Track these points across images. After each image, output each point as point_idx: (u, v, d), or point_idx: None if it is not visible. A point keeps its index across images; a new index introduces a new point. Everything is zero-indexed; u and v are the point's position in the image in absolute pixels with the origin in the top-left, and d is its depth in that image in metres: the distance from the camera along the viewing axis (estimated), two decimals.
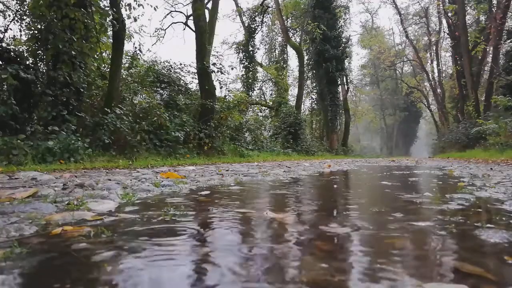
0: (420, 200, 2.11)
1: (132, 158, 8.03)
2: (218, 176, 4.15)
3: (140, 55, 13.78)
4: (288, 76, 32.28)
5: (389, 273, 0.83)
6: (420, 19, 36.68)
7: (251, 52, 27.58)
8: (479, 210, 1.80)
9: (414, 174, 4.79)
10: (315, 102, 31.40)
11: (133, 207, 1.83)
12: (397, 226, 1.36)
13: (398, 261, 0.94)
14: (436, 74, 37.51)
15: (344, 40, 29.05)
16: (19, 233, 1.21)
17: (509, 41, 20.30)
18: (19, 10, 9.10)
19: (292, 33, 29.42)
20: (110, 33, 10.72)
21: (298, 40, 29.80)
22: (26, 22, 9.04)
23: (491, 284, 0.78)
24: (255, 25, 28.33)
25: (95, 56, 9.95)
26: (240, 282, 0.79)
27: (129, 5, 9.84)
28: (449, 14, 25.84)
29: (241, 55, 27.37)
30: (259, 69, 29.54)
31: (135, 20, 10.47)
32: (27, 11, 8.79)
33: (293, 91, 32.45)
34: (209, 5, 17.21)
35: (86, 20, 8.08)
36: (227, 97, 17.26)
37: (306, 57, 28.03)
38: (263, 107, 27.16)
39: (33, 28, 8.21)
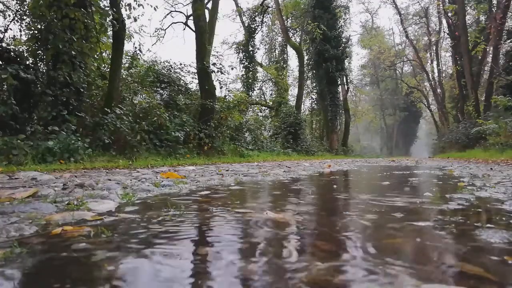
0: (420, 200, 2.11)
1: (132, 158, 8.03)
2: (218, 176, 4.15)
3: (140, 55, 13.78)
4: (288, 76, 32.30)
5: (389, 273, 0.83)
6: (420, 19, 36.69)
7: (251, 52, 27.58)
8: (479, 210, 1.80)
9: (414, 174, 4.79)
10: (315, 102, 31.40)
11: (133, 207, 1.83)
12: (397, 226, 1.36)
13: (397, 261, 0.94)
14: (436, 74, 37.56)
15: (344, 40, 29.03)
16: (19, 233, 1.21)
17: (509, 41, 20.31)
18: (19, 10, 9.10)
19: (292, 33, 29.41)
20: (110, 33, 10.73)
21: (298, 40, 29.80)
22: (26, 22, 9.04)
23: (491, 284, 0.78)
24: (255, 25, 28.33)
25: (95, 56, 9.95)
26: (240, 281, 0.79)
27: (129, 5, 9.85)
28: (449, 14, 25.84)
29: (241, 55, 27.38)
30: (259, 69, 29.55)
31: (135, 20, 10.47)
32: (27, 11, 8.79)
33: (293, 91, 32.49)
34: (209, 5, 17.21)
35: (86, 20, 8.08)
36: (227, 97, 17.25)
37: (306, 57, 28.02)
38: (263, 107, 27.16)
39: (33, 28, 8.21)
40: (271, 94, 30.29)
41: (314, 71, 28.37)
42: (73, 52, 7.87)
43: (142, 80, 12.71)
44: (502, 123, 13.92)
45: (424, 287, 0.75)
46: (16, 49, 8.38)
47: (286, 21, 27.08)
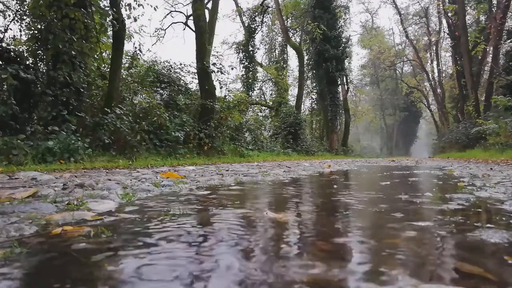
0: (420, 200, 2.11)
1: (132, 158, 8.03)
2: (218, 176, 4.15)
3: (140, 55, 13.77)
4: (288, 76, 32.30)
5: (389, 272, 0.83)
6: (420, 19, 36.69)
7: (251, 52, 27.58)
8: (479, 210, 1.80)
9: (414, 174, 4.79)
10: (315, 102, 31.40)
11: (133, 207, 1.83)
12: (397, 226, 1.36)
13: (397, 261, 0.94)
14: (436, 74, 37.57)
15: (344, 40, 29.02)
16: (19, 233, 1.21)
17: (509, 41, 20.30)
18: (19, 10, 9.10)
19: (292, 33, 29.41)
20: (110, 33, 10.73)
21: (298, 40, 29.80)
22: (26, 22, 9.04)
23: (491, 284, 0.78)
24: (255, 25, 28.33)
25: (95, 56, 9.96)
26: (240, 282, 0.79)
27: (129, 5, 9.85)
28: (449, 14, 25.84)
29: (241, 55, 27.37)
30: (259, 69, 29.54)
31: (135, 20, 10.47)
32: (27, 11, 8.79)
33: (293, 91, 32.48)
34: (209, 5, 17.22)
35: (86, 20, 8.08)
36: (227, 97, 17.25)
37: (306, 57, 28.02)
38: (263, 107, 27.16)
39: (33, 28, 8.21)
40: (271, 94, 30.30)
41: (314, 71, 28.37)
42: (73, 52, 7.87)
43: (142, 80, 12.71)
44: (502, 123, 13.92)
45: (423, 287, 0.75)
46: (16, 49, 8.38)
47: (286, 21, 27.08)
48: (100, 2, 9.51)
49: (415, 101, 45.69)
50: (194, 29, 14.21)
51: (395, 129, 56.51)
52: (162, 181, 3.10)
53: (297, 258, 0.97)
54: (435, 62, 37.33)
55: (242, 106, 16.51)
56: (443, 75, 37.49)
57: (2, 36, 8.38)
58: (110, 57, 10.87)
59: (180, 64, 14.84)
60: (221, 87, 18.80)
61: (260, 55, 32.31)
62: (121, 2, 9.84)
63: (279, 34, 30.13)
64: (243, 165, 7.91)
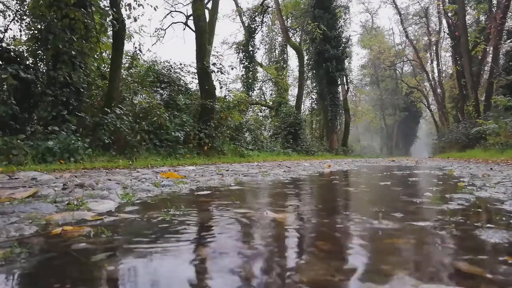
0: (420, 200, 2.11)
1: (132, 158, 8.03)
2: (218, 176, 4.15)
3: (140, 55, 13.78)
4: (288, 76, 32.29)
5: (388, 272, 0.83)
6: (420, 19, 36.69)
7: (251, 52, 27.57)
8: (479, 210, 1.80)
9: (414, 174, 4.79)
10: (315, 102, 31.40)
11: (133, 207, 1.83)
12: (397, 226, 1.36)
13: (397, 260, 0.94)
14: (436, 74, 37.56)
15: (344, 40, 29.01)
16: (19, 233, 1.21)
17: (509, 41, 20.29)
18: (19, 10, 9.10)
19: (292, 33, 29.41)
20: (110, 33, 10.72)
21: (298, 40, 29.80)
22: (26, 22, 9.04)
23: (491, 284, 0.78)
24: (255, 25, 28.32)
25: (95, 56, 9.95)
26: (240, 282, 0.79)
27: (129, 5, 9.85)
28: (449, 14, 25.83)
29: (241, 55, 27.37)
30: (259, 69, 29.54)
31: (135, 20, 10.47)
32: (27, 11, 8.79)
33: (293, 91, 32.48)
34: (209, 5, 17.22)
35: (86, 20, 8.08)
36: (227, 97, 17.25)
37: (306, 57, 28.01)
38: (263, 107, 27.15)
39: (33, 28, 8.21)
40: (271, 94, 30.30)
41: (314, 71, 28.37)
42: (73, 52, 7.87)
43: (142, 80, 12.71)
44: (502, 123, 13.92)
45: (423, 287, 0.75)
46: (16, 49, 8.38)
47: (286, 21, 27.07)
48: (100, 2, 9.51)
49: (415, 101, 45.70)
50: (194, 29, 14.21)
51: (395, 129, 56.51)
52: (162, 181, 3.10)
53: (297, 258, 0.97)
54: (435, 62, 37.35)
55: (242, 106, 16.51)
56: (443, 75, 37.50)
57: (2, 36, 8.38)
58: (110, 57, 10.87)
59: (180, 64, 14.86)
60: (221, 87, 18.83)
61: (260, 55, 32.35)
62: (121, 2, 9.84)
63: (279, 34, 30.14)
64: (243, 165, 7.91)
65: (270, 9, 28.21)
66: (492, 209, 1.79)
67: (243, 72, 27.23)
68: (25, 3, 8.94)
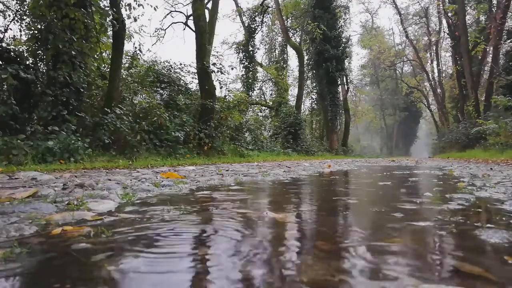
0: (420, 200, 2.11)
1: (132, 158, 8.03)
2: (218, 176, 4.15)
3: (140, 55, 13.78)
4: (288, 76, 32.29)
5: (388, 272, 0.83)
6: (420, 19, 36.69)
7: (251, 52, 27.57)
8: (479, 210, 1.80)
9: (414, 174, 4.79)
10: (315, 102, 31.40)
11: (133, 207, 1.83)
12: (397, 226, 1.36)
13: (397, 260, 0.94)
14: (436, 74, 37.57)
15: (344, 40, 29.01)
16: (19, 233, 1.21)
17: (509, 41, 20.29)
18: (19, 10, 9.10)
19: (292, 33, 29.40)
20: (110, 33, 10.72)
21: (298, 40, 29.79)
22: (26, 22, 9.04)
23: (491, 284, 0.78)
24: (255, 25, 28.32)
25: (95, 56, 9.95)
26: (241, 282, 0.79)
27: (129, 5, 9.85)
28: (449, 14, 25.83)
29: (241, 55, 27.37)
30: (259, 69, 29.53)
31: (135, 20, 10.47)
32: (27, 11, 8.79)
33: (293, 91, 32.48)
34: (209, 5, 17.22)
35: (86, 20, 8.08)
36: (227, 97, 17.25)
37: (306, 57, 28.01)
38: (263, 107, 27.15)
39: (33, 28, 8.21)
40: (271, 94, 30.30)
41: (314, 71, 28.37)
42: (73, 52, 7.87)
43: (142, 80, 12.71)
44: (502, 123, 13.92)
45: (423, 287, 0.75)
46: (16, 49, 8.38)
47: (286, 21, 27.07)
48: (100, 2, 9.51)
49: (415, 101, 45.70)
50: (194, 29, 14.21)
51: (395, 129, 56.51)
52: (162, 181, 3.10)
53: (297, 258, 0.97)
54: (435, 62, 37.35)
55: (242, 106, 16.51)
56: (443, 75, 37.51)
57: (2, 36, 8.38)
58: (110, 57, 10.87)
59: (180, 64, 14.86)
60: (221, 87, 18.83)
61: (260, 55, 32.35)
62: (121, 2, 9.84)
63: (279, 34, 30.14)
64: (243, 165, 7.91)
65: (270, 9, 28.21)
66: (492, 209, 1.79)
67: (243, 72, 27.24)
68: (25, 3, 8.94)
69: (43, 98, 7.51)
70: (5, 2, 9.81)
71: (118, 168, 6.13)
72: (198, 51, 12.93)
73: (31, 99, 7.61)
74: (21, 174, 3.80)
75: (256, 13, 27.95)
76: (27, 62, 8.00)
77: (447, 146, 25.22)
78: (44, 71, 8.19)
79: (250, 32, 27.77)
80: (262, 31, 30.41)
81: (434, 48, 36.57)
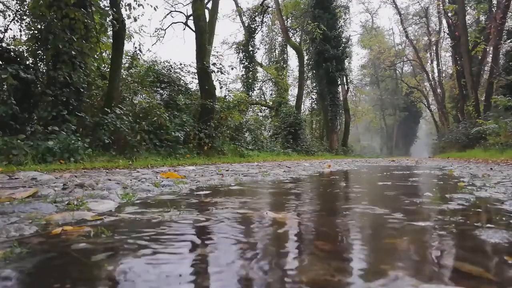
0: (420, 200, 2.11)
1: (132, 158, 8.03)
2: (218, 176, 4.15)
3: (140, 55, 13.78)
4: (288, 76, 32.28)
5: (388, 272, 0.83)
6: (420, 19, 36.69)
7: (251, 52, 27.57)
8: (479, 210, 1.80)
9: (414, 174, 4.79)
10: (315, 102, 31.40)
11: (133, 207, 1.83)
12: (397, 226, 1.36)
13: (397, 260, 0.94)
14: (436, 74, 37.57)
15: (344, 40, 29.02)
16: (19, 233, 1.21)
17: (509, 41, 20.29)
18: (19, 10, 9.10)
19: (292, 33, 29.40)
20: (110, 33, 10.73)
21: (298, 40, 29.79)
22: (26, 22, 9.04)
23: (491, 284, 0.78)
24: (255, 25, 28.32)
25: (95, 56, 9.95)
26: (241, 282, 0.79)
27: (129, 5, 9.85)
28: (449, 14, 25.84)
29: (241, 55, 27.37)
30: (259, 69, 29.53)
31: (135, 20, 10.47)
32: (27, 11, 8.79)
33: (293, 91, 32.48)
34: (209, 5, 17.22)
35: (86, 20, 8.08)
36: (227, 97, 17.25)
37: (306, 57, 28.01)
38: (263, 107, 27.15)
39: (33, 28, 8.21)
40: (271, 94, 30.30)
41: (314, 71, 28.37)
42: (73, 52, 7.87)
43: (142, 80, 12.71)
44: (502, 123, 13.92)
45: (423, 287, 0.75)
46: (16, 49, 8.38)
47: (286, 21, 27.07)
48: (100, 2, 9.51)
49: (415, 101, 45.70)
50: (194, 29, 14.21)
51: (395, 129, 56.50)
52: (162, 181, 3.10)
53: (297, 258, 0.97)
54: (435, 62, 37.36)
55: (242, 106, 16.52)
56: (443, 75, 37.51)
57: (2, 36, 8.38)
58: (110, 57, 10.87)
59: (180, 64, 14.86)
60: (221, 87, 18.82)
61: (260, 55, 32.34)
62: (121, 2, 9.85)
63: (279, 34, 30.13)
64: (243, 165, 7.91)
65: (270, 9, 28.21)
66: (492, 209, 1.79)
67: (243, 72, 27.24)
68: (25, 3, 8.94)
69: (43, 98, 7.51)
70: (5, 2, 9.81)
71: (118, 168, 6.13)
72: (198, 51, 12.93)
73: (31, 99, 7.61)
74: (21, 174, 3.80)
75: (256, 13, 27.95)
76: (27, 62, 8.00)
77: (447, 146, 25.22)
78: (44, 71, 8.19)
79: (250, 32, 27.77)
80: (262, 31, 30.44)
81: (434, 48, 36.58)
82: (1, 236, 1.16)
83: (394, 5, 36.96)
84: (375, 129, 62.22)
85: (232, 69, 19.93)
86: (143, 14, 35.40)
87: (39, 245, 1.09)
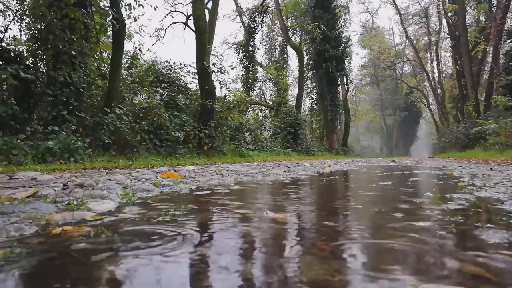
0: (420, 200, 2.11)
1: (132, 158, 8.03)
2: (218, 176, 4.15)
3: (140, 55, 13.76)
4: (288, 76, 32.25)
5: (389, 273, 0.83)
6: (420, 19, 36.68)
7: (251, 52, 27.56)
8: (479, 210, 1.80)
9: (414, 174, 4.79)
10: (315, 102, 31.39)
11: (133, 207, 1.83)
12: (397, 226, 1.36)
13: (397, 261, 0.94)
14: (436, 74, 37.55)
15: (344, 40, 29.02)
16: (19, 233, 1.21)
17: (509, 41, 20.28)
18: (19, 10, 9.09)
19: (292, 33, 29.37)
20: (110, 33, 10.72)
21: (298, 40, 29.76)
22: (26, 22, 9.03)
23: (491, 284, 0.78)
24: (255, 25, 28.30)
25: (95, 56, 9.95)
26: (241, 282, 0.79)
27: (129, 5, 9.84)
28: (449, 14, 25.82)
29: (241, 55, 27.35)
30: (259, 69, 29.51)
31: (135, 20, 10.46)
32: (27, 11, 8.78)
33: (293, 91, 32.46)
34: (209, 5, 17.21)
35: (86, 20, 8.08)
36: (227, 97, 17.23)
37: (306, 57, 28.01)
38: (263, 107, 27.14)
39: (33, 28, 8.21)
40: (271, 94, 30.27)
41: (314, 71, 28.37)
42: (73, 52, 7.87)
43: (142, 80, 12.70)
44: (502, 123, 13.91)
45: (423, 287, 0.74)
46: (16, 49, 8.37)
47: (286, 21, 27.07)
48: (100, 2, 9.50)
49: (415, 101, 45.70)
50: (194, 29, 14.20)
51: (395, 129, 56.49)
52: (162, 181, 3.10)
53: (297, 258, 0.97)
54: (435, 62, 37.33)
55: (242, 106, 16.51)
56: (443, 75, 37.49)
57: (2, 36, 8.38)
58: (110, 57, 10.87)
59: (180, 64, 14.85)
60: (221, 87, 18.83)
61: (260, 55, 32.31)
62: (121, 2, 9.84)
63: (279, 34, 30.11)
64: (243, 165, 7.91)
65: (270, 9, 28.19)
66: (492, 209, 1.79)
67: (243, 72, 27.22)
68: (25, 3, 8.93)
69: (43, 98, 7.51)
70: (5, 2, 9.80)
71: (118, 168, 6.13)
72: (198, 51, 12.92)
73: (31, 99, 7.61)
74: (21, 174, 3.80)
75: (256, 13, 27.94)
76: (27, 62, 8.00)
77: (447, 146, 25.21)
78: (44, 71, 8.18)
79: (250, 32, 27.76)
80: (262, 31, 30.39)
81: (434, 48, 36.56)
82: (1, 236, 1.16)
83: (394, 5, 36.94)
84: (375, 129, 62.21)
85: (232, 69, 19.92)
86: (143, 14, 35.38)
87: (39, 245, 1.09)
